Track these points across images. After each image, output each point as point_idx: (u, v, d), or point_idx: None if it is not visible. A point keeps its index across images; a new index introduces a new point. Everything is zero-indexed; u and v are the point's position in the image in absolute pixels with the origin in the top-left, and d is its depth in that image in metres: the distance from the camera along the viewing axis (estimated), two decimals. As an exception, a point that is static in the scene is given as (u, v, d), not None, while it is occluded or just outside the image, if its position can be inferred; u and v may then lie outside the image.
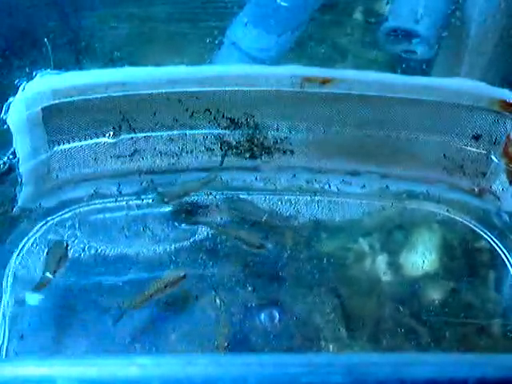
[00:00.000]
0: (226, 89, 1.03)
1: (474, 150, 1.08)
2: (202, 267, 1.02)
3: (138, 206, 1.08)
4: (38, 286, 0.98)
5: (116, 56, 1.01)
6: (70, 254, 1.02)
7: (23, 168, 1.02)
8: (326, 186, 1.10)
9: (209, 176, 1.08)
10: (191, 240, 1.05)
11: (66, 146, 1.06)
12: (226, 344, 0.95)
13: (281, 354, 0.83)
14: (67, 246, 1.02)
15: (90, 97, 1.00)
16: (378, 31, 1.03)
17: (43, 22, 0.98)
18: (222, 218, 1.07)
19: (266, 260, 1.03)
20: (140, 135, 1.08)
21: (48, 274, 0.98)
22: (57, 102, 1.00)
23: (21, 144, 1.01)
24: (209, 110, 1.06)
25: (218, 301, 0.99)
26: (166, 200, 1.06)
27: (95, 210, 1.08)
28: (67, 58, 1.00)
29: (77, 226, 1.05)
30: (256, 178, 1.11)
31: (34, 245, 1.03)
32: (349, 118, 1.06)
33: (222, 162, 1.06)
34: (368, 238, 1.06)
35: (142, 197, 1.09)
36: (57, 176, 1.07)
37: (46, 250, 1.02)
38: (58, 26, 0.98)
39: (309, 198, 1.09)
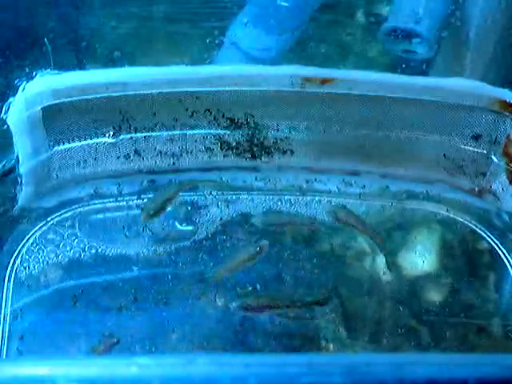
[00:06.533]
0: (226, 89, 1.03)
1: (474, 149, 1.08)
2: (202, 267, 1.02)
3: (138, 206, 1.08)
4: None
5: (116, 56, 1.01)
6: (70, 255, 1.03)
7: (23, 168, 1.02)
8: (326, 186, 1.10)
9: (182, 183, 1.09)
10: (191, 240, 1.05)
11: (66, 145, 1.06)
12: None
13: (281, 354, 0.83)
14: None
15: (90, 97, 1.00)
16: (378, 31, 1.03)
17: (43, 21, 0.98)
18: (221, 218, 1.07)
19: (266, 260, 1.03)
20: (140, 135, 1.08)
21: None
22: (57, 102, 1.00)
23: (21, 144, 1.01)
24: (209, 110, 1.06)
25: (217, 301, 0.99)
26: (151, 213, 1.06)
27: (95, 210, 1.07)
28: (67, 58, 1.00)
29: (77, 226, 1.05)
30: (256, 178, 1.11)
31: (34, 245, 1.03)
32: (349, 118, 1.06)
33: None
34: (368, 238, 1.06)
35: (142, 197, 1.09)
36: (57, 176, 1.07)
37: None
38: (58, 26, 0.98)
39: (309, 198, 1.09)
